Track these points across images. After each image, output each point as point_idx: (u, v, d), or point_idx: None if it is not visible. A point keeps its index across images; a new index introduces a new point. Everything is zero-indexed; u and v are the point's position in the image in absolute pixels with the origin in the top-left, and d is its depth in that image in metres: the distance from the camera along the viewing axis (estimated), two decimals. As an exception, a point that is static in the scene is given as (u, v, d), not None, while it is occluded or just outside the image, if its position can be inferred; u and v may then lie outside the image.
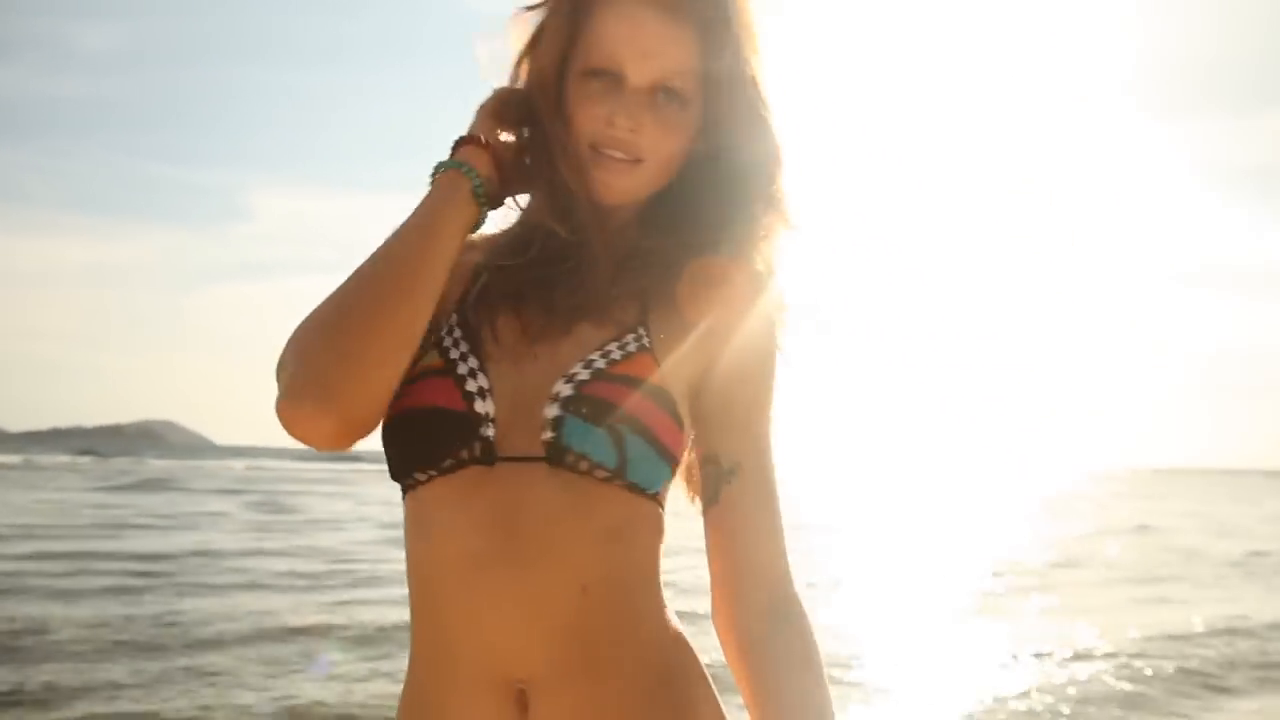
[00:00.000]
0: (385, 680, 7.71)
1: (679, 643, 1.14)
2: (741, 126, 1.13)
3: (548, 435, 1.06)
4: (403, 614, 1.16)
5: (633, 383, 1.08)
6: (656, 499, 1.11)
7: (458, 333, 1.11)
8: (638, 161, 1.12)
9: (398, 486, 1.11)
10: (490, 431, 1.06)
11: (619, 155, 1.12)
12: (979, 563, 16.94)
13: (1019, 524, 27.16)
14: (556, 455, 1.06)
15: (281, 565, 14.02)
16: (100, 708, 6.92)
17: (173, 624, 9.62)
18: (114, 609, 10.34)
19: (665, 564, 1.13)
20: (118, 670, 7.92)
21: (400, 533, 1.14)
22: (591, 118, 1.11)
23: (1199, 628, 11.38)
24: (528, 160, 1.16)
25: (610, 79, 1.11)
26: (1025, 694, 8.22)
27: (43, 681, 7.44)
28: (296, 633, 9.42)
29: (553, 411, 1.06)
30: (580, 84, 1.12)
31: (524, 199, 1.20)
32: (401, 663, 1.14)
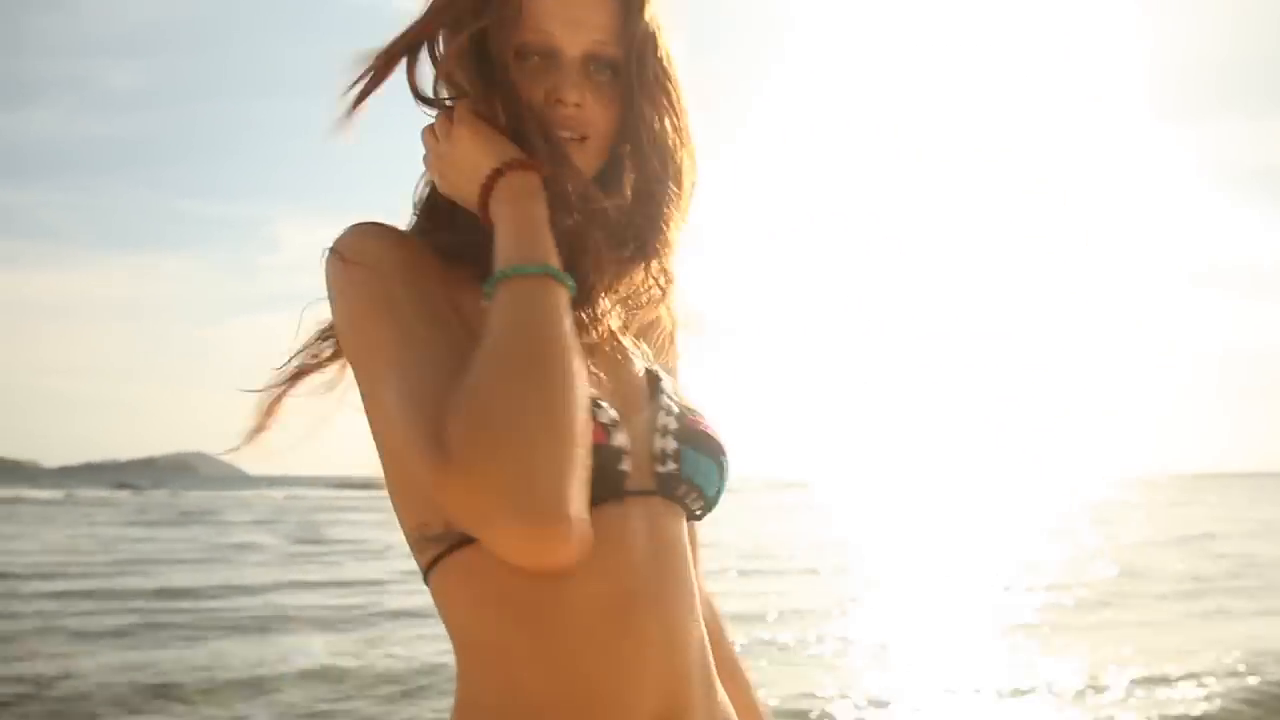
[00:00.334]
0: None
1: None
2: (652, 95, 1.10)
3: (669, 468, 1.06)
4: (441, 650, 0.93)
5: (699, 410, 1.13)
6: None
7: None
8: (584, 139, 1.09)
9: None
10: (627, 465, 1.03)
11: (567, 134, 1.08)
12: (1041, 577, 16.20)
13: (1069, 534, 26.23)
14: (671, 487, 1.07)
15: (321, 599, 13.67)
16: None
17: (207, 668, 9.16)
18: (162, 653, 9.96)
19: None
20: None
21: None
22: (532, 98, 1.07)
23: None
24: None
25: (544, 55, 1.07)
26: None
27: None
28: (334, 674, 8.90)
29: (671, 444, 1.07)
30: (514, 66, 1.07)
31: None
32: (442, 703, 0.96)
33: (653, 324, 1.17)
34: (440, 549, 1.01)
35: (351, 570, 17.64)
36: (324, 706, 7.85)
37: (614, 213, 1.07)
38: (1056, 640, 10.89)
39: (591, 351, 1.05)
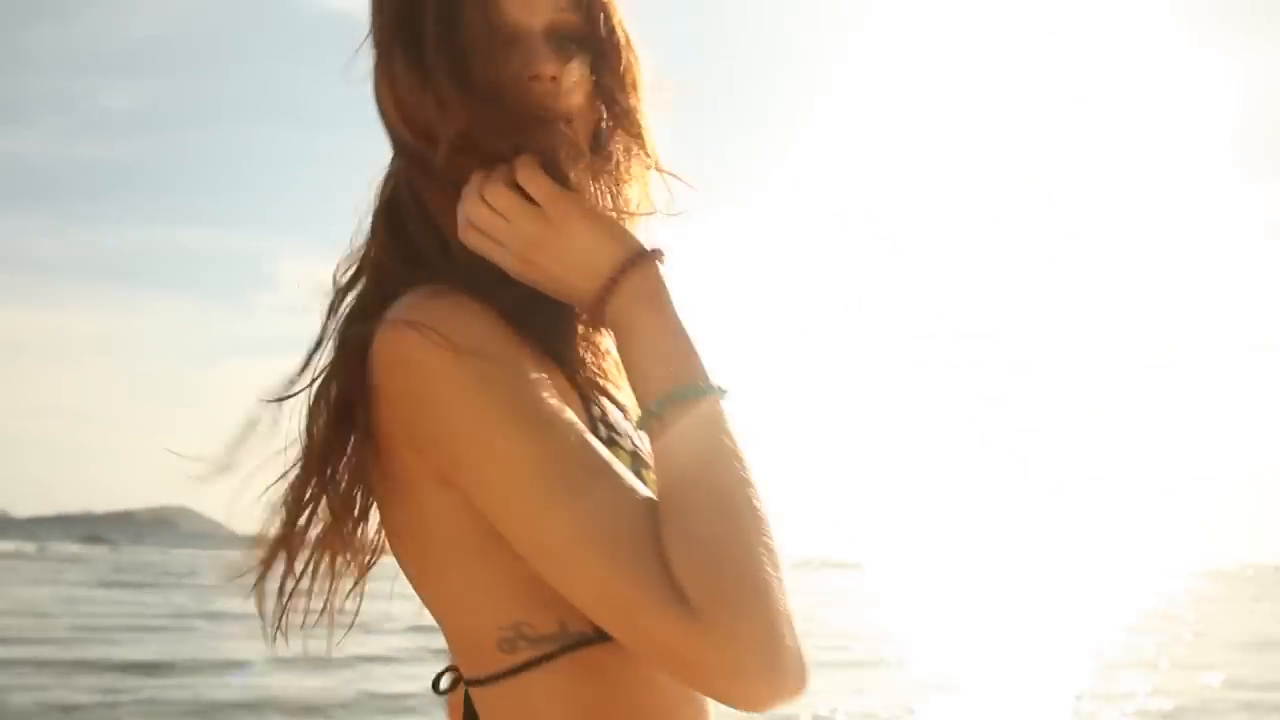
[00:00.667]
0: None
1: None
2: (621, 62, 1.04)
3: None
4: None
5: None
6: None
7: (613, 417, 1.02)
8: (570, 120, 1.00)
9: None
10: None
11: (551, 110, 1.01)
12: (1123, 683, 14.67)
13: (1150, 630, 24.64)
14: None
15: (304, 680, 12.51)
16: None
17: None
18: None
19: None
20: None
21: None
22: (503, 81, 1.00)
23: None
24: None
25: (505, 38, 1.00)
26: None
27: None
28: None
29: None
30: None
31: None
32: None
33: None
34: (545, 650, 0.94)
35: (343, 645, 16.01)
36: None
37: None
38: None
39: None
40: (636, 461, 0.96)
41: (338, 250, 1.07)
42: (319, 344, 1.01)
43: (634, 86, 1.04)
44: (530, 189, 0.94)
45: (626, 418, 1.01)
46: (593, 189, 0.97)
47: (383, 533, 1.02)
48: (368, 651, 15.17)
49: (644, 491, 0.88)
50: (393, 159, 1.04)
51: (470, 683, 0.99)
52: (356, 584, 1.05)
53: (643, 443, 0.97)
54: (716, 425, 0.90)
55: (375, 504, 1.00)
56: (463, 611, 0.98)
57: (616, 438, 0.97)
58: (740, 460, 0.89)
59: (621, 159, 1.02)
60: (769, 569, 0.84)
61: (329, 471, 0.97)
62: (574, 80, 0.99)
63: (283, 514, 0.99)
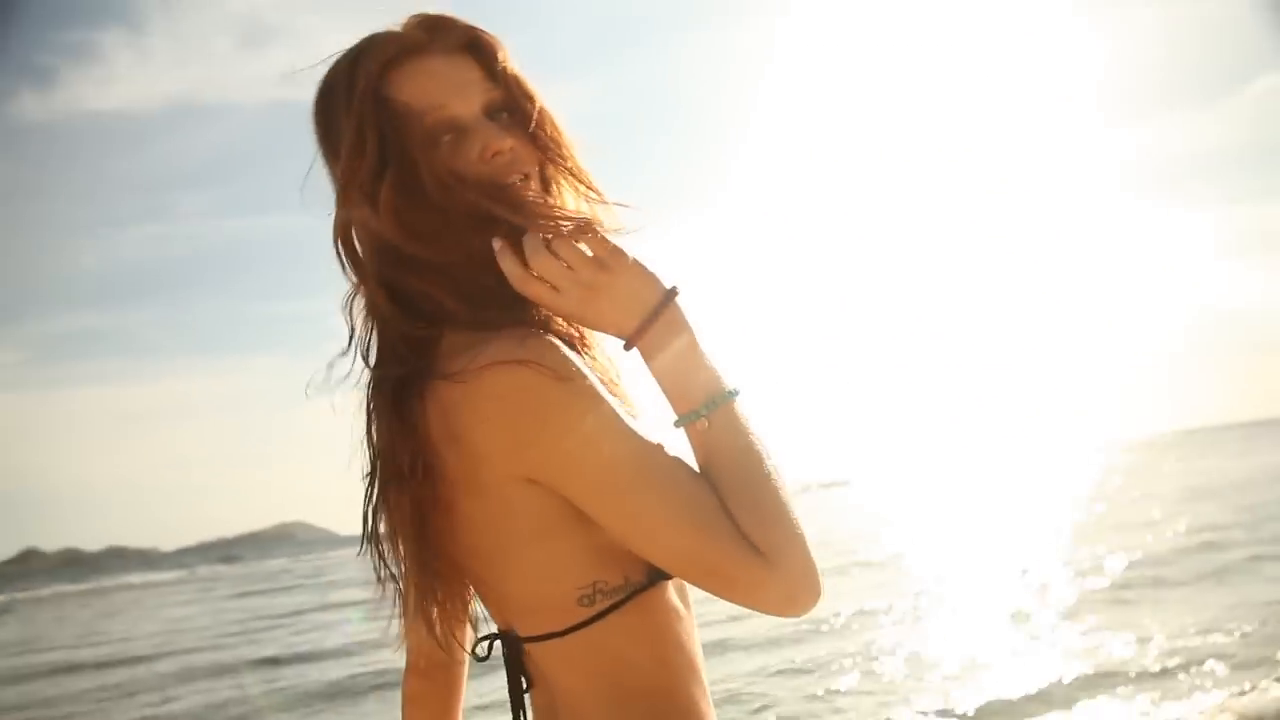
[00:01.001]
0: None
1: None
2: (541, 113, 1.09)
3: None
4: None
5: None
6: None
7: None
8: (526, 176, 1.08)
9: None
10: None
11: (516, 178, 1.07)
12: (1099, 558, 14.69)
13: (1090, 510, 24.80)
14: None
15: None
16: None
17: None
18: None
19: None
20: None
21: None
22: (468, 165, 1.05)
23: None
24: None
25: (451, 130, 1.05)
26: None
27: None
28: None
29: None
30: (434, 149, 1.05)
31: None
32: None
33: None
34: (617, 599, 1.05)
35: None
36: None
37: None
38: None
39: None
40: None
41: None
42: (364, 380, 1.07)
43: (559, 133, 1.10)
44: (592, 246, 1.03)
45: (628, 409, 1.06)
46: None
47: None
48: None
49: (695, 469, 1.01)
50: (371, 258, 1.07)
51: (541, 638, 1.06)
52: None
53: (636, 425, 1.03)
54: (746, 420, 1.04)
55: (443, 506, 1.03)
56: (543, 580, 1.05)
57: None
58: (764, 444, 1.03)
59: (570, 196, 1.10)
60: (798, 518, 1.00)
61: (405, 481, 1.02)
62: (516, 145, 1.07)
63: (373, 521, 1.06)
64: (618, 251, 1.04)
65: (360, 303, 1.09)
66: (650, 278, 1.04)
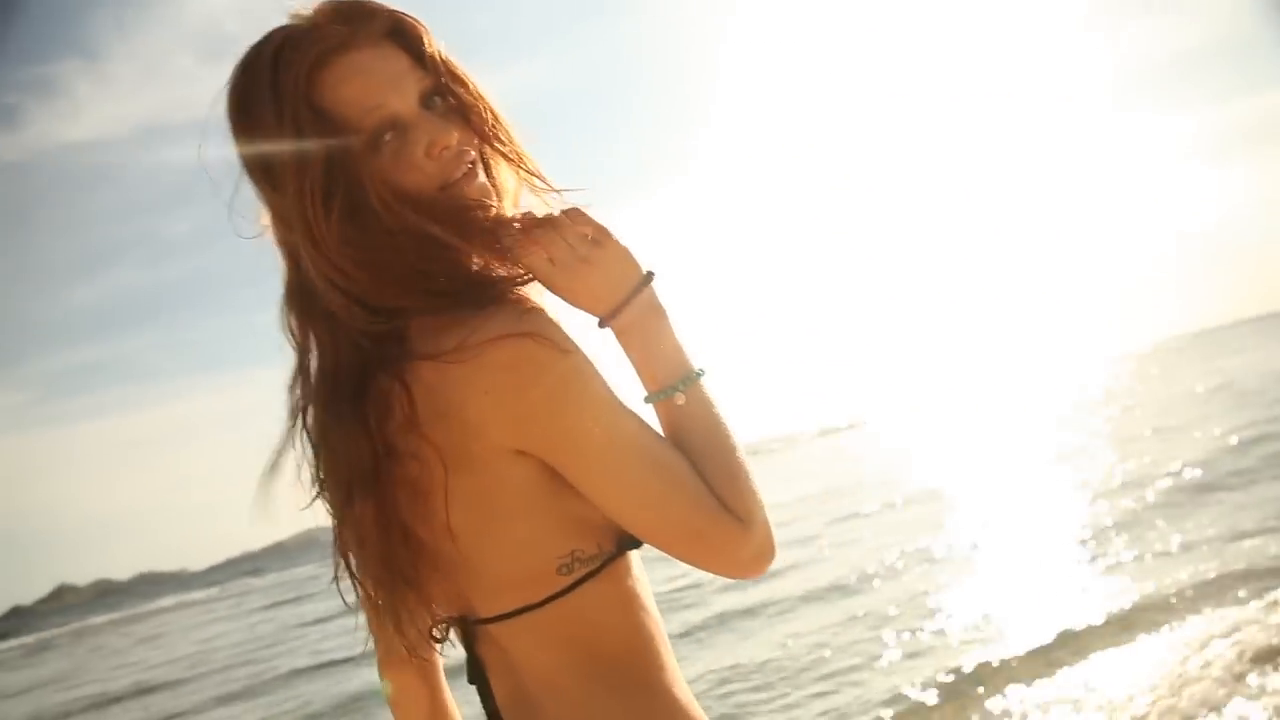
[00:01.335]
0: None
1: None
2: (474, 92, 1.09)
3: None
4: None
5: None
6: None
7: None
8: (473, 164, 1.08)
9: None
10: None
11: (465, 169, 1.06)
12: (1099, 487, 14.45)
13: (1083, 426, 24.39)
14: None
15: None
16: None
17: None
18: None
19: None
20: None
21: None
22: (414, 165, 1.04)
23: None
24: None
25: (392, 127, 1.03)
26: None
27: None
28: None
29: None
30: (377, 156, 1.03)
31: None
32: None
33: None
34: (592, 567, 1.08)
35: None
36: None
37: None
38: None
39: None
40: None
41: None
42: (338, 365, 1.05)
43: (497, 118, 1.10)
44: (582, 224, 1.07)
45: None
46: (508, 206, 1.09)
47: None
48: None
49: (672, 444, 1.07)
50: (324, 279, 1.03)
51: (514, 613, 1.08)
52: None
53: None
54: (713, 398, 1.10)
55: (419, 494, 1.03)
56: (523, 552, 1.06)
57: None
58: (728, 419, 1.09)
59: (509, 176, 1.12)
60: (757, 484, 1.07)
61: (369, 483, 1.03)
62: (459, 138, 1.06)
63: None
64: (609, 232, 1.07)
65: (297, 316, 1.08)
66: (633, 259, 1.08)
